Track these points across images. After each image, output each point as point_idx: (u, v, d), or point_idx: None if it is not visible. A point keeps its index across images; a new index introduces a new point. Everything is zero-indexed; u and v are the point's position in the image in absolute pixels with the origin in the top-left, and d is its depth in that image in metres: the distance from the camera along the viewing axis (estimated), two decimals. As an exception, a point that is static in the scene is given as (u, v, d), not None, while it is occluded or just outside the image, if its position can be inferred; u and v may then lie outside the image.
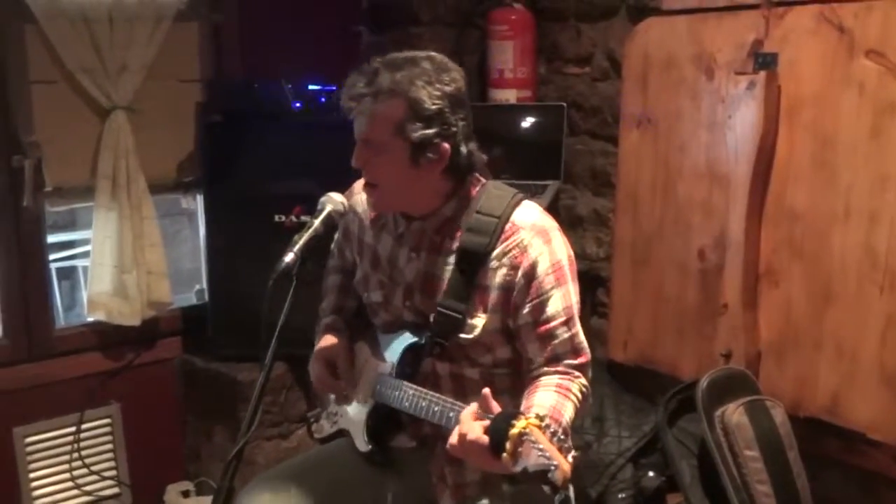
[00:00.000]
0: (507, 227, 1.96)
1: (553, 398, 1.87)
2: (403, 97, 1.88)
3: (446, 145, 1.92)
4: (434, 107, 1.89)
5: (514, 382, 2.01)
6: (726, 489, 2.50)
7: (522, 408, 1.83)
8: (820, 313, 2.62)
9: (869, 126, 2.47)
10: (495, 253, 1.95)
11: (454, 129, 1.93)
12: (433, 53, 1.97)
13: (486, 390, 1.74)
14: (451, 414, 1.84)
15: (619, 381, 3.24)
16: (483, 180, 2.05)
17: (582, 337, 1.98)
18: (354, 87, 1.92)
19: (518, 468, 1.56)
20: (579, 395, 1.92)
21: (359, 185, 2.17)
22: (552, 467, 1.51)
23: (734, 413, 2.53)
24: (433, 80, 1.90)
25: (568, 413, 1.86)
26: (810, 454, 2.63)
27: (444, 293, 1.98)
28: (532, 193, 3.14)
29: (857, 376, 2.54)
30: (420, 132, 1.89)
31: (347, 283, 2.28)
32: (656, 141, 3.04)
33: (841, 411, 2.58)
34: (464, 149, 1.96)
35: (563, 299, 1.94)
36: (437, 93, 1.89)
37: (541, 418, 1.59)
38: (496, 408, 1.71)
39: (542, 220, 2.00)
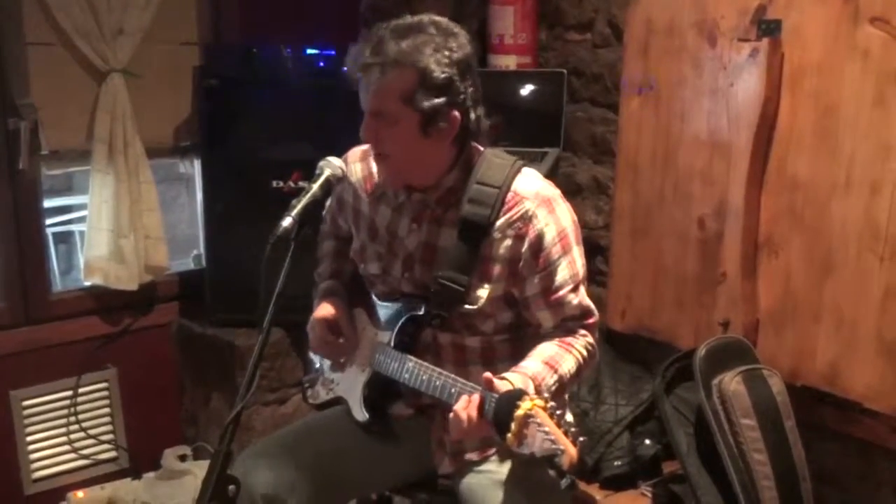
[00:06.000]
0: (509, 196, 1.94)
1: (553, 349, 1.91)
2: (412, 67, 1.83)
3: (457, 113, 1.89)
4: (444, 75, 1.85)
5: (514, 349, 2.02)
6: (722, 457, 2.50)
7: (523, 362, 1.86)
8: (819, 283, 2.61)
9: (872, 95, 2.45)
10: (498, 224, 1.94)
11: (463, 96, 1.89)
12: (437, 17, 1.93)
13: (488, 374, 1.75)
14: (453, 390, 1.84)
15: (616, 350, 3.24)
16: (481, 148, 2.02)
17: (588, 300, 2.01)
18: (360, 56, 1.87)
19: (524, 451, 1.56)
20: (583, 352, 1.95)
21: (353, 154, 2.14)
22: (559, 452, 1.51)
23: (731, 381, 2.53)
24: (441, 47, 1.86)
25: (567, 364, 1.89)
26: (807, 423, 2.64)
27: (446, 264, 1.96)
28: (531, 161, 3.13)
29: (856, 346, 2.53)
30: (430, 102, 1.85)
31: (342, 248, 2.27)
32: (657, 109, 3.01)
33: (839, 381, 2.58)
34: (473, 115, 1.94)
35: (569, 267, 1.95)
36: (446, 60, 1.85)
37: (546, 400, 1.59)
38: (500, 388, 1.71)
39: (545, 188, 1.98)
